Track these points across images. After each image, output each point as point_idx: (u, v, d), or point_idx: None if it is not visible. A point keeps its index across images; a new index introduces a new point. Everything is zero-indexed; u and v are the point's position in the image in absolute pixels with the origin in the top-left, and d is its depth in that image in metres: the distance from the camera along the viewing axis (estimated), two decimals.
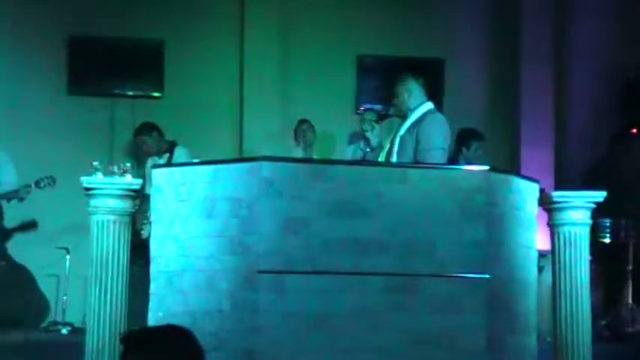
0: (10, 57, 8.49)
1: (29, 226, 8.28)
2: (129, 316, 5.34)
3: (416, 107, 5.87)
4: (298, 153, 7.99)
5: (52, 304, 8.28)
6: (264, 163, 4.98)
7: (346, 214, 4.91)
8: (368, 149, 6.12)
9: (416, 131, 5.76)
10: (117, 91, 8.65)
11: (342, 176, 5.01)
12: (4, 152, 7.63)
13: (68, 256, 7.80)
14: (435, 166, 5.47)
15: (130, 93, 8.67)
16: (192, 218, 5.06)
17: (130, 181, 5.32)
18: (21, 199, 7.51)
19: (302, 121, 8.12)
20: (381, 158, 5.93)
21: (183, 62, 8.69)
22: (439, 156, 5.69)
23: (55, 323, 7.82)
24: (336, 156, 8.38)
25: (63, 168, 7.57)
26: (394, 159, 5.78)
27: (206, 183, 5.06)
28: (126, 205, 5.34)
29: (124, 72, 8.60)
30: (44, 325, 8.06)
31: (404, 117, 5.92)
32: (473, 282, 5.03)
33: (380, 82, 9.03)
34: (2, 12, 8.51)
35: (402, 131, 5.85)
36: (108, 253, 5.27)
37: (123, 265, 5.30)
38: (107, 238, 5.27)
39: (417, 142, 5.74)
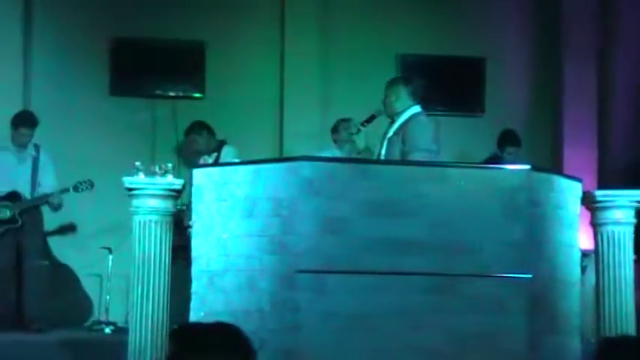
0: (53, 59, 8.57)
1: (68, 229, 8.36)
2: (171, 316, 5.37)
3: (403, 111, 5.94)
4: (337, 152, 7.99)
5: (95, 303, 8.35)
6: (305, 163, 4.98)
7: (386, 213, 4.90)
8: (358, 153, 6.17)
9: (402, 133, 5.84)
10: (158, 92, 8.70)
11: (382, 176, 5.00)
12: (47, 155, 7.70)
13: (111, 256, 7.86)
14: (476, 166, 5.44)
15: (172, 94, 8.72)
16: (233, 218, 5.08)
17: (172, 181, 5.35)
18: (55, 209, 7.56)
19: (341, 121, 8.11)
20: None
21: (224, 63, 8.72)
22: (422, 158, 5.69)
23: (99, 322, 7.88)
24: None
25: (105, 168, 7.63)
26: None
27: (246, 183, 5.07)
28: (167, 205, 5.37)
29: (165, 73, 8.65)
30: (88, 324, 8.13)
31: (391, 119, 6.00)
32: (514, 282, 5.00)
33: (421, 81, 8.99)
34: (47, 15, 8.60)
35: (389, 134, 5.94)
36: (150, 253, 5.30)
37: (165, 264, 5.33)
38: (149, 238, 5.31)
39: (403, 144, 5.80)
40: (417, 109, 5.97)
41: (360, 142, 6.11)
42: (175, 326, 2.81)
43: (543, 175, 5.32)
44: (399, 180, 4.99)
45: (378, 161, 5.74)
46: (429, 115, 6.08)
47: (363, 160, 5.54)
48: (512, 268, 5.00)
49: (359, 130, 6.11)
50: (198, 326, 2.71)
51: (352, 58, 8.97)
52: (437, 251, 4.93)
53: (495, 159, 7.93)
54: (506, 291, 4.99)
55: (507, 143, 7.93)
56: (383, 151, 5.89)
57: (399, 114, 5.95)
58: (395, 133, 5.89)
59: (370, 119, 6.15)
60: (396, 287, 4.89)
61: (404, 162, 5.58)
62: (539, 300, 5.09)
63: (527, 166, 5.26)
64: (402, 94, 5.99)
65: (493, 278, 4.98)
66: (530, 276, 5.03)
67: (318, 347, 4.82)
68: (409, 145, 5.77)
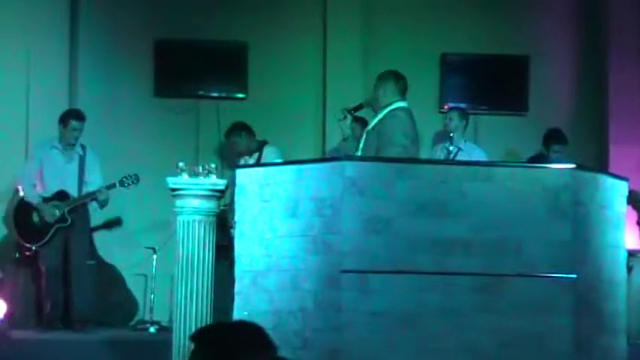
0: (99, 61, 8.65)
1: (114, 224, 8.43)
2: (214, 315, 5.40)
3: (386, 105, 6.00)
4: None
5: (139, 302, 8.41)
6: (348, 163, 4.98)
7: (430, 213, 4.89)
8: (344, 140, 6.28)
9: (378, 129, 5.92)
10: (202, 93, 8.75)
11: (425, 175, 4.98)
12: (93, 153, 7.78)
13: (155, 256, 7.91)
14: (520, 165, 5.41)
15: (215, 94, 8.76)
16: (276, 218, 5.09)
17: (215, 181, 5.37)
18: (102, 206, 7.63)
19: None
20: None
21: (266, 63, 8.74)
22: (395, 153, 5.73)
23: (143, 322, 7.95)
24: (420, 155, 8.32)
25: (149, 168, 7.69)
26: (359, 154, 5.92)
27: (289, 183, 5.08)
28: (211, 205, 5.39)
29: (208, 74, 8.69)
30: (132, 323, 8.20)
31: (375, 112, 6.09)
32: (560, 282, 4.96)
33: (464, 80, 8.95)
34: (92, 17, 8.69)
35: (369, 127, 6.04)
36: (194, 253, 5.33)
37: (208, 264, 5.36)
38: (192, 238, 5.33)
39: (379, 138, 5.87)
40: (400, 104, 6.05)
41: (346, 128, 6.19)
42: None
43: (588, 174, 5.27)
44: (443, 179, 4.96)
45: (421, 161, 5.73)
46: (393, 111, 6.07)
47: (407, 160, 5.52)
48: (557, 268, 4.96)
49: (345, 116, 6.17)
50: (219, 326, 2.71)
51: (395, 57, 8.92)
52: (482, 251, 4.90)
53: (540, 158, 7.86)
54: (551, 291, 4.95)
55: (554, 142, 7.85)
56: (361, 145, 5.98)
57: (382, 108, 6.03)
58: (373, 127, 5.99)
59: (358, 108, 6.26)
60: (440, 287, 4.87)
61: (447, 161, 5.56)
62: (585, 300, 5.05)
63: (572, 165, 5.21)
64: (390, 88, 6.07)
65: (538, 278, 4.94)
66: (575, 276, 4.98)
67: (362, 347, 4.81)
68: (383, 140, 5.84)
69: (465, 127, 7.85)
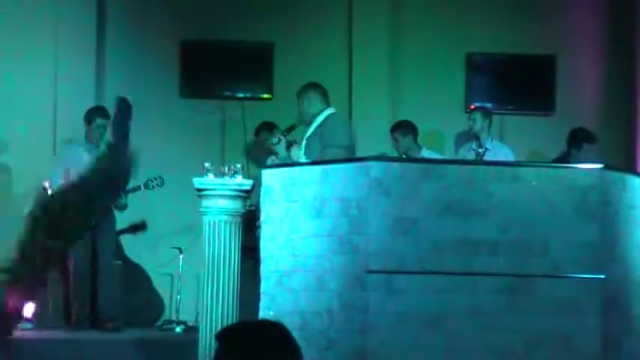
0: (125, 61, 8.69)
1: (139, 227, 8.45)
2: (240, 315, 5.41)
3: (319, 113, 6.24)
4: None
5: (166, 302, 8.44)
6: (374, 163, 4.97)
7: (456, 213, 4.87)
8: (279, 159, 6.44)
9: (320, 132, 6.12)
10: (227, 93, 8.76)
11: (452, 176, 4.96)
12: None
13: (181, 256, 7.94)
14: (547, 165, 5.38)
15: (241, 95, 8.78)
16: (302, 218, 5.09)
17: (241, 181, 5.38)
18: (120, 209, 7.66)
19: (391, 130, 8.05)
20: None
21: (292, 64, 8.75)
22: (337, 153, 5.86)
23: (170, 322, 7.97)
24: (446, 155, 8.31)
25: (175, 169, 7.71)
26: (303, 160, 6.03)
27: (315, 183, 5.08)
28: (237, 205, 5.40)
29: (234, 74, 8.71)
30: (159, 323, 8.22)
31: (309, 124, 6.28)
32: (587, 283, 4.93)
33: (490, 80, 8.92)
34: (119, 18, 8.73)
35: (307, 134, 6.22)
36: (220, 253, 5.34)
37: (234, 264, 5.37)
38: (219, 238, 5.35)
39: (322, 141, 6.06)
40: (330, 110, 6.29)
41: (282, 151, 6.33)
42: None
43: (616, 174, 5.23)
44: (469, 180, 4.95)
45: (447, 161, 5.72)
46: (330, 116, 6.22)
47: (433, 160, 5.51)
48: (585, 269, 4.94)
49: (279, 140, 6.34)
50: (243, 325, 2.71)
51: (421, 57, 8.92)
52: (508, 251, 4.88)
53: (566, 158, 7.82)
54: (579, 292, 4.93)
55: (585, 140, 7.78)
56: (302, 152, 6.13)
57: (314, 116, 6.25)
58: (313, 133, 6.17)
59: (290, 129, 6.43)
60: (466, 288, 4.85)
61: (473, 162, 5.54)
62: (613, 301, 5.01)
63: (600, 165, 5.18)
64: (313, 97, 6.32)
65: (566, 279, 4.92)
66: (603, 276, 4.95)
67: (389, 348, 4.80)
68: (325, 142, 6.02)
69: (490, 125, 7.82)
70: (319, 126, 6.16)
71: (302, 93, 6.39)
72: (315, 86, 6.41)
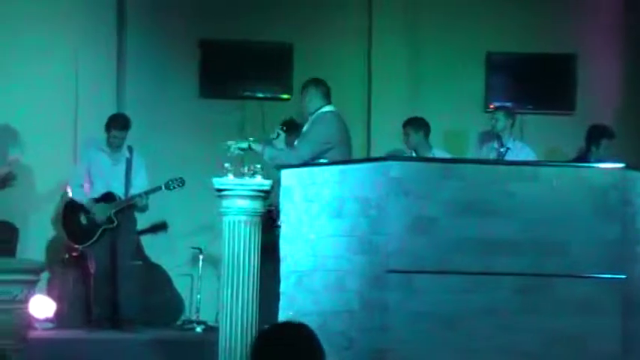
0: (145, 62, 8.72)
1: (159, 227, 8.48)
2: (260, 315, 5.41)
3: (317, 110, 6.30)
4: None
5: (186, 302, 8.46)
6: (393, 163, 4.97)
7: (475, 213, 4.86)
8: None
9: (309, 128, 6.24)
10: (247, 94, 8.78)
11: (471, 175, 4.96)
12: (140, 156, 7.85)
13: (201, 256, 7.96)
14: (567, 165, 5.37)
15: (260, 95, 8.79)
16: (321, 218, 5.10)
17: (261, 181, 5.39)
18: (142, 210, 7.70)
19: (403, 125, 8.05)
20: None
21: (311, 64, 8.74)
22: (306, 147, 6.01)
23: (190, 322, 7.99)
24: (466, 155, 8.29)
25: (195, 169, 7.73)
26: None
27: (334, 183, 5.08)
28: (256, 205, 5.41)
29: (253, 75, 8.72)
30: (179, 323, 8.25)
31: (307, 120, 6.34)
32: (608, 283, 4.91)
33: (510, 79, 8.89)
34: (139, 19, 8.76)
35: (303, 130, 6.32)
36: (239, 253, 5.35)
37: (254, 264, 5.38)
38: (238, 238, 5.35)
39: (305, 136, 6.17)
40: (326, 108, 6.34)
41: (281, 145, 6.38)
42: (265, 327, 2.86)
43: (637, 174, 5.21)
44: (488, 179, 4.94)
45: (466, 160, 5.71)
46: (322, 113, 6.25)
47: (452, 160, 5.50)
48: (605, 269, 4.92)
49: (278, 134, 6.42)
50: (274, 326, 2.76)
51: (440, 57, 8.90)
52: (527, 251, 4.87)
53: (585, 156, 7.78)
54: (598, 292, 4.91)
55: (603, 137, 7.72)
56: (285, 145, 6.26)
57: (311, 114, 6.32)
58: (306, 130, 6.27)
59: (289, 123, 6.60)
60: (485, 287, 4.85)
61: (493, 161, 5.53)
62: (633, 301, 4.99)
63: (621, 165, 5.15)
64: (314, 95, 6.38)
65: (585, 279, 4.90)
66: (623, 276, 4.93)
67: (408, 347, 4.80)
68: (306, 136, 6.15)
69: (512, 125, 7.81)
70: (311, 123, 6.26)
71: (304, 89, 6.47)
72: (317, 83, 6.47)
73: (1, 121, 8.34)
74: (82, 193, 7.69)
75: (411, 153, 7.74)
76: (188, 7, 8.75)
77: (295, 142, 6.30)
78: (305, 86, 6.49)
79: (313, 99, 6.36)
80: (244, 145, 6.07)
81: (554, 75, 8.86)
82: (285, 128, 6.46)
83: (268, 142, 6.36)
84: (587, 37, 8.97)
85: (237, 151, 6.07)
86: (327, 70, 8.74)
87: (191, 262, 8.16)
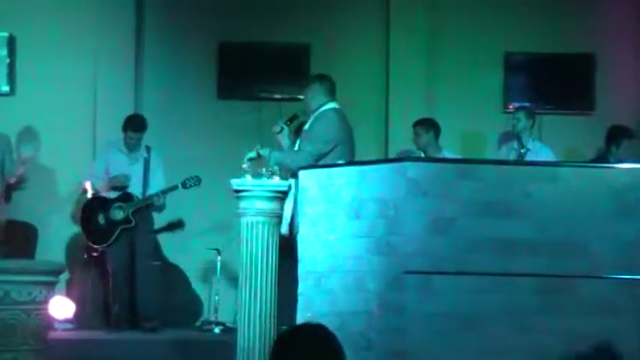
0: (163, 63, 8.75)
1: (176, 226, 8.50)
2: (278, 316, 5.41)
3: (318, 108, 6.20)
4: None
5: (204, 303, 8.48)
6: (411, 164, 4.96)
7: (494, 214, 4.85)
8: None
9: (311, 127, 6.15)
10: (264, 95, 8.79)
11: (489, 176, 4.94)
12: (157, 156, 7.88)
13: (219, 257, 7.97)
14: (586, 165, 5.34)
15: (277, 96, 8.79)
16: (339, 219, 5.09)
17: (278, 182, 5.39)
18: (159, 210, 7.72)
19: (413, 125, 8.04)
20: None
21: (329, 65, 8.73)
22: (311, 149, 5.97)
23: (208, 322, 8.01)
24: (485, 156, 8.27)
25: (212, 170, 7.75)
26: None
27: (352, 184, 5.08)
28: (274, 206, 5.41)
29: (271, 75, 8.73)
30: (197, 324, 8.27)
31: (309, 116, 6.25)
32: (628, 283, 4.89)
33: (529, 79, 8.86)
34: (157, 20, 8.79)
35: (304, 128, 6.24)
36: (257, 254, 5.36)
37: (272, 265, 5.38)
38: (256, 239, 5.36)
39: (308, 136, 6.09)
40: (330, 105, 6.24)
41: (286, 140, 6.30)
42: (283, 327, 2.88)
43: None
44: (507, 180, 4.92)
45: (484, 161, 5.69)
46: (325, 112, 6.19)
47: (470, 160, 5.49)
48: (626, 269, 4.89)
49: (282, 128, 6.31)
50: (294, 328, 2.76)
51: (458, 57, 8.88)
52: (546, 252, 4.85)
53: (604, 156, 7.74)
54: (618, 292, 4.89)
55: (624, 137, 7.69)
56: (296, 147, 6.17)
57: (314, 111, 6.22)
58: (308, 128, 6.18)
59: (293, 118, 6.40)
60: (504, 288, 4.83)
61: (511, 162, 5.52)
62: None
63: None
64: (317, 91, 6.26)
65: (605, 279, 4.87)
66: None
67: (427, 348, 4.79)
68: (310, 136, 6.07)
69: (532, 126, 7.79)
70: (314, 121, 6.19)
71: (308, 84, 6.39)
72: (322, 78, 6.37)
73: (22, 122, 8.39)
74: (101, 186, 7.72)
75: (420, 153, 7.74)
76: (206, 9, 8.76)
77: (298, 141, 6.23)
78: (309, 81, 6.40)
79: (317, 95, 6.27)
80: (252, 154, 5.97)
81: (573, 75, 8.83)
82: (289, 123, 6.38)
83: (280, 146, 6.31)
84: (606, 37, 8.92)
85: (247, 162, 6.00)
86: (344, 71, 8.75)
87: (209, 263, 8.17)
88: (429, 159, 5.50)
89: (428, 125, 7.89)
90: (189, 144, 8.55)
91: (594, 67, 8.82)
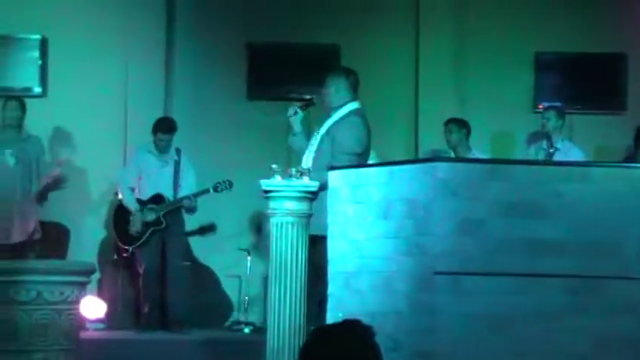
0: (193, 65, 8.80)
1: (208, 229, 8.53)
2: (308, 316, 5.42)
3: (340, 106, 5.87)
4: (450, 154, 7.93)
5: (234, 303, 8.50)
6: (440, 164, 4.95)
7: (523, 214, 4.82)
8: (293, 135, 6.09)
9: (333, 134, 5.79)
10: (294, 95, 8.79)
11: (518, 176, 4.92)
12: (188, 158, 7.92)
13: (249, 257, 7.99)
14: (617, 165, 5.31)
15: (307, 97, 8.79)
16: (369, 219, 5.09)
17: (308, 183, 5.39)
18: (190, 212, 7.76)
19: (446, 122, 8.01)
20: (306, 155, 5.90)
21: (358, 65, 8.67)
22: (346, 161, 5.63)
23: (238, 322, 8.03)
24: (515, 156, 8.23)
25: (242, 171, 7.77)
26: (312, 157, 5.81)
27: (382, 184, 5.07)
28: (303, 206, 5.41)
29: (300, 76, 8.74)
30: (227, 324, 8.30)
31: (328, 112, 5.92)
32: None
33: (559, 79, 8.82)
34: (187, 22, 8.84)
35: (323, 130, 5.88)
36: (287, 255, 5.36)
37: (302, 266, 5.38)
38: (286, 239, 5.36)
39: (333, 144, 5.76)
40: (353, 105, 5.91)
41: (297, 125, 6.06)
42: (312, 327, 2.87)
43: None
44: (537, 180, 4.90)
45: (514, 161, 5.66)
46: (349, 115, 5.90)
47: (499, 160, 5.47)
48: None
49: (296, 112, 6.04)
50: (332, 325, 2.75)
51: (488, 57, 8.85)
52: (577, 252, 4.82)
53: (633, 156, 7.69)
54: None
55: None
56: (314, 148, 5.87)
57: (335, 109, 5.90)
58: (327, 132, 5.85)
59: (308, 104, 6.10)
60: (534, 289, 4.80)
61: (541, 162, 5.49)
62: None
63: None
64: (342, 86, 5.93)
65: (635, 280, 4.83)
66: None
67: (456, 349, 4.78)
68: (339, 146, 5.75)
69: (562, 126, 7.75)
70: (336, 124, 5.86)
71: (332, 78, 5.99)
72: (347, 74, 6.02)
73: (53, 123, 8.47)
74: (132, 196, 7.77)
75: (450, 152, 7.71)
76: (235, 11, 8.80)
77: (316, 140, 5.91)
78: (334, 74, 6.02)
79: (341, 90, 5.91)
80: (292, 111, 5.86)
81: (603, 74, 8.77)
82: (304, 107, 6.09)
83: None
84: (637, 36, 8.85)
85: (297, 121, 5.85)
86: (373, 72, 8.75)
87: (239, 264, 8.20)
88: (459, 159, 5.49)
89: (460, 124, 7.90)
90: (218, 145, 8.58)
91: (625, 66, 8.77)
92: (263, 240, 7.46)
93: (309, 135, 6.10)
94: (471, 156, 7.53)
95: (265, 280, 5.78)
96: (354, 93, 5.97)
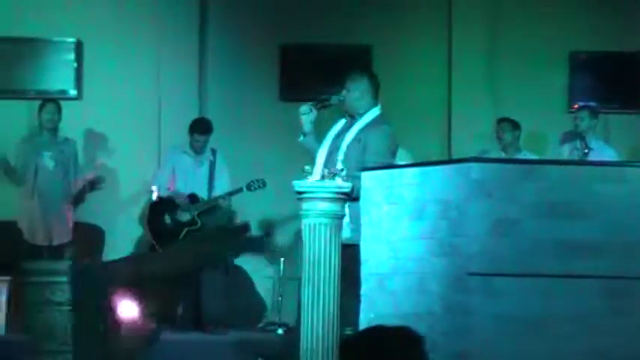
0: (227, 66, 8.84)
1: (242, 229, 8.56)
2: (341, 317, 5.42)
3: (365, 112, 5.71)
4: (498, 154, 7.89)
5: (268, 305, 8.52)
6: (474, 165, 4.92)
7: (558, 215, 4.79)
8: (303, 134, 5.93)
9: (364, 141, 5.61)
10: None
11: (553, 176, 4.89)
12: (223, 158, 7.96)
13: (282, 258, 8.01)
14: None
15: (324, 96, 8.81)
16: (402, 220, 5.08)
17: (341, 184, 5.39)
18: (224, 211, 7.79)
19: (499, 120, 7.98)
20: (322, 159, 5.75)
21: (390, 65, 8.74)
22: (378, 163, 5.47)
23: (272, 323, 8.05)
24: (548, 156, 8.19)
25: (275, 172, 7.80)
26: (340, 161, 5.60)
27: (415, 185, 5.06)
28: (336, 207, 5.41)
29: (333, 77, 8.70)
30: (261, 325, 8.32)
31: (350, 116, 5.75)
32: None
33: (594, 79, 8.76)
34: (220, 24, 8.88)
35: (349, 138, 5.68)
36: (320, 256, 5.36)
37: (334, 267, 5.38)
38: (319, 240, 5.36)
39: (364, 152, 5.59)
40: (376, 111, 5.76)
41: (308, 124, 5.91)
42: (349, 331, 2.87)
43: None
44: (571, 180, 4.86)
45: (549, 161, 5.63)
46: (376, 123, 5.74)
47: (533, 160, 5.43)
48: None
49: (311, 110, 5.86)
50: (382, 329, 2.75)
51: (521, 57, 8.81)
52: (612, 253, 4.78)
53: None
54: None
55: None
56: (341, 157, 5.66)
57: (360, 114, 5.74)
58: (356, 139, 5.66)
59: (324, 105, 5.89)
60: (569, 290, 4.77)
61: (576, 162, 5.45)
62: None
63: None
64: (367, 91, 5.76)
65: None
66: None
67: (490, 351, 4.76)
68: (368, 156, 5.58)
69: (596, 125, 7.70)
70: (362, 131, 5.71)
71: (355, 81, 5.79)
72: (371, 77, 5.86)
73: (88, 125, 8.54)
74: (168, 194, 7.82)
75: (500, 154, 7.66)
76: (268, 12, 8.83)
77: (344, 146, 5.73)
78: (356, 79, 5.79)
79: (366, 95, 5.76)
80: (306, 109, 5.70)
81: (639, 74, 8.70)
82: (319, 107, 5.91)
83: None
84: None
85: (308, 120, 5.70)
86: (406, 72, 8.75)
87: (273, 265, 8.22)
88: (493, 159, 5.45)
89: (513, 124, 7.86)
90: (252, 145, 8.61)
91: None
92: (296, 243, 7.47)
93: (319, 136, 5.97)
94: (522, 157, 7.47)
95: (298, 280, 5.78)
96: (376, 97, 5.84)
